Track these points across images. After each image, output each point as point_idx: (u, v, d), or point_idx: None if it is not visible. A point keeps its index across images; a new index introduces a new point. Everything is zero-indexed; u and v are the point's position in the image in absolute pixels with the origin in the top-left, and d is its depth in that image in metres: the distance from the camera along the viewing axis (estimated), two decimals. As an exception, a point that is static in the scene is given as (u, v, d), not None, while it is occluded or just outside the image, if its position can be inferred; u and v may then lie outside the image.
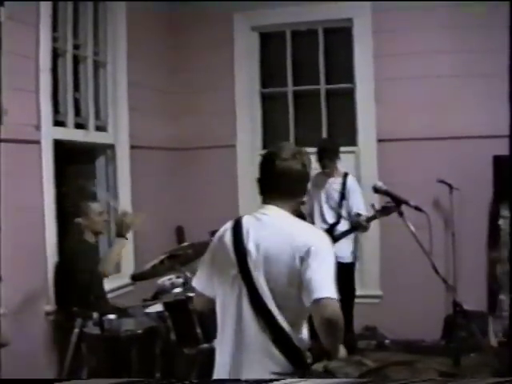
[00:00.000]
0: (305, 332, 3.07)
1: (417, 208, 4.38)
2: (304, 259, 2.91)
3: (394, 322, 7.18)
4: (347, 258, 6.63)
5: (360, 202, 6.51)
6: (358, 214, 6.45)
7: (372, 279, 7.44)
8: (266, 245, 3.00)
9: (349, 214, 6.61)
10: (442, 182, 6.91)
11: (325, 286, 2.88)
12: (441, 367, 5.64)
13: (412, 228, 4.01)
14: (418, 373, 5.27)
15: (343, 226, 6.64)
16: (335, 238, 6.37)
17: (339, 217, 6.64)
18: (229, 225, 3.19)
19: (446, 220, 7.08)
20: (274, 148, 3.22)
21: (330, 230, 6.50)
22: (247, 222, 3.13)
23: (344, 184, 6.67)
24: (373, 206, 5.46)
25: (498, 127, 6.85)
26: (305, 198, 3.25)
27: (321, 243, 3.02)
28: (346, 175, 6.74)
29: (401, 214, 4.09)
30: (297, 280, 2.92)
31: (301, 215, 3.34)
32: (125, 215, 5.54)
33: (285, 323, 2.96)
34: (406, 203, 4.14)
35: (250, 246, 3.03)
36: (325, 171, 6.69)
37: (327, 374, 2.60)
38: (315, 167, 6.72)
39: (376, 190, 4.50)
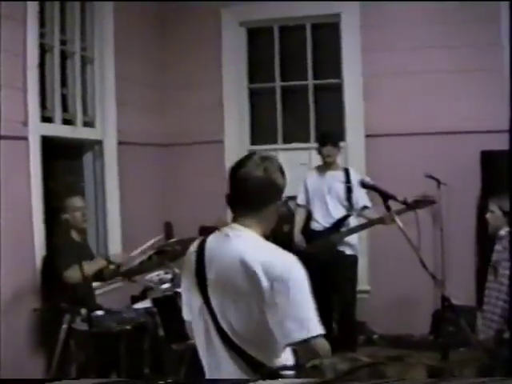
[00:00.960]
0: (285, 356, 2.85)
1: (404, 203, 4.39)
2: (278, 291, 2.65)
3: (383, 317, 7.20)
4: (355, 248, 6.65)
5: (365, 196, 6.48)
6: (365, 207, 6.50)
7: (360, 274, 7.45)
8: (229, 275, 2.76)
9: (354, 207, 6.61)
10: (429, 177, 6.92)
11: (311, 321, 2.66)
12: (429, 362, 5.66)
13: (399, 223, 4.01)
14: (407, 368, 5.29)
15: (352, 219, 6.64)
16: (351, 231, 6.49)
17: (349, 210, 6.60)
18: (195, 246, 2.98)
19: (434, 215, 7.09)
20: (241, 158, 2.97)
21: (340, 224, 6.54)
22: (210, 247, 2.89)
23: (348, 177, 6.63)
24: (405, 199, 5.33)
25: (485, 122, 6.90)
26: (278, 207, 2.94)
27: (294, 271, 2.72)
28: (347, 170, 6.72)
29: (388, 209, 4.09)
30: (270, 314, 2.67)
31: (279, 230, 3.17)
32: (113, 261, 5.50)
33: (260, 356, 2.76)
34: (394, 198, 4.13)
35: (212, 277, 2.83)
36: (328, 161, 6.64)
37: (316, 371, 2.55)
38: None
39: (363, 184, 4.49)
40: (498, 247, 4.81)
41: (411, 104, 7.35)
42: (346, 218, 6.55)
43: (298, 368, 2.79)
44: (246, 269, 2.71)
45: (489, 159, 6.98)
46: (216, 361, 2.87)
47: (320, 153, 6.64)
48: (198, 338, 2.96)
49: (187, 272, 2.98)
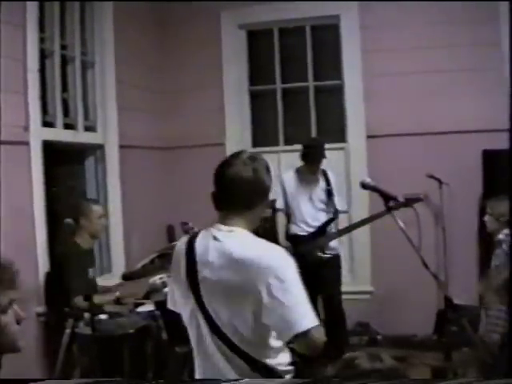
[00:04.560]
0: (281, 356, 2.89)
1: (405, 204, 4.38)
2: (271, 286, 2.69)
3: (386, 318, 7.20)
4: (336, 249, 6.63)
5: (343, 197, 6.53)
6: (345, 211, 6.58)
7: (363, 275, 7.45)
8: (222, 274, 2.78)
9: (335, 210, 6.61)
10: (431, 177, 6.92)
11: (305, 314, 2.71)
12: (433, 362, 5.66)
13: (401, 224, 4.00)
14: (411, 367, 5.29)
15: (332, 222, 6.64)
16: (335, 235, 6.46)
17: (335, 213, 6.60)
18: (183, 245, 2.98)
19: (436, 215, 7.10)
20: (227, 157, 3.00)
21: (324, 228, 6.52)
22: (200, 240, 2.91)
23: (327, 181, 6.65)
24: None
25: (486, 122, 6.90)
26: (265, 206, 2.99)
27: (286, 265, 2.78)
28: (325, 172, 6.70)
29: (389, 209, 4.09)
30: (262, 309, 2.70)
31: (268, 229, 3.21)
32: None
33: (245, 347, 2.79)
34: (395, 199, 4.14)
35: (205, 277, 2.83)
36: (311, 169, 6.62)
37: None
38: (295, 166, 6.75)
39: (364, 185, 4.49)
40: (497, 251, 4.82)
41: (412, 104, 7.35)
42: (331, 221, 6.57)
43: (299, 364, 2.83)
44: (239, 267, 2.74)
45: (490, 158, 6.99)
46: (208, 358, 2.89)
47: (304, 159, 6.62)
48: (190, 336, 2.98)
49: (176, 270, 2.99)
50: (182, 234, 5.17)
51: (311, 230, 6.53)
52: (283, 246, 6.34)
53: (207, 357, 2.89)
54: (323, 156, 6.56)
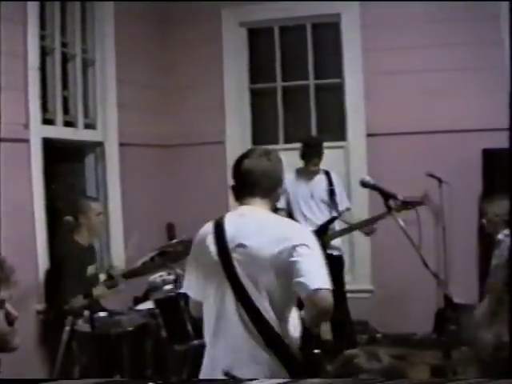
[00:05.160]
0: (293, 330, 3.11)
1: (404, 202, 4.38)
2: (292, 252, 2.97)
3: (386, 316, 7.20)
4: (339, 251, 6.62)
5: (346, 198, 6.55)
6: (348, 209, 6.54)
7: (363, 274, 7.46)
8: (250, 243, 3.05)
9: (337, 210, 6.59)
10: (431, 175, 6.91)
11: (319, 276, 2.97)
12: (432, 361, 5.67)
13: (401, 222, 4.00)
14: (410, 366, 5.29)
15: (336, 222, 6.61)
16: (332, 236, 6.46)
17: (337, 213, 6.57)
18: (210, 228, 3.22)
19: (436, 214, 7.09)
20: (244, 152, 3.34)
21: (325, 228, 6.50)
22: (229, 221, 3.17)
23: (330, 181, 6.64)
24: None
25: (486, 121, 6.90)
26: (280, 193, 3.34)
27: (306, 236, 3.11)
28: (328, 173, 6.70)
29: (389, 208, 4.09)
30: (284, 274, 2.99)
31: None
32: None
33: (273, 321, 3.01)
34: (394, 197, 4.14)
35: (234, 246, 3.07)
36: (311, 168, 6.62)
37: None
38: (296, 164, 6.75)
39: (364, 184, 4.48)
40: (496, 252, 4.81)
41: (412, 103, 7.35)
42: (332, 220, 6.54)
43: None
44: (270, 237, 3.04)
45: (490, 157, 6.98)
46: (226, 332, 3.10)
47: (303, 158, 6.63)
48: (211, 309, 3.16)
49: (202, 253, 3.22)
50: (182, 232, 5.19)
51: (312, 229, 6.52)
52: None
53: (225, 332, 3.10)
54: (320, 154, 6.56)
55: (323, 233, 6.44)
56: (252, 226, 3.11)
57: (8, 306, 2.35)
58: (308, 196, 6.64)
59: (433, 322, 7.09)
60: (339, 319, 6.54)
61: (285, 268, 2.98)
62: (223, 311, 3.09)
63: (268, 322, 2.99)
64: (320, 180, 6.67)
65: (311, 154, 6.58)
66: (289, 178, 6.68)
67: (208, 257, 3.14)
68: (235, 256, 3.06)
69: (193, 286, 3.28)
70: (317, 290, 2.91)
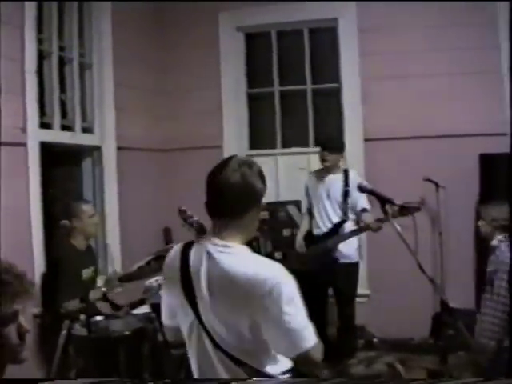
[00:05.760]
0: (282, 363, 2.84)
1: (401, 207, 4.38)
2: (268, 306, 2.63)
3: (382, 321, 7.18)
4: (354, 256, 6.58)
5: (364, 198, 6.34)
6: (364, 209, 6.37)
7: (360, 278, 7.45)
8: (217, 291, 2.74)
9: (353, 210, 6.52)
10: (428, 180, 6.92)
11: (306, 332, 2.68)
12: (429, 365, 5.67)
13: (397, 227, 4.00)
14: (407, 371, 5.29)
15: (349, 224, 6.54)
16: (343, 238, 6.41)
17: (345, 215, 6.52)
18: (176, 257, 2.94)
19: (433, 219, 7.10)
20: (217, 163, 2.92)
21: (336, 229, 6.49)
22: (195, 259, 2.84)
23: (346, 180, 6.53)
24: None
25: (484, 126, 6.90)
26: (257, 216, 2.91)
27: (284, 282, 2.68)
28: (346, 171, 6.61)
29: (386, 213, 4.08)
30: (261, 327, 2.67)
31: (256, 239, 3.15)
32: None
33: (257, 364, 2.77)
34: (391, 202, 4.13)
35: (202, 294, 2.77)
36: (325, 166, 6.58)
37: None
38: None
39: (361, 189, 4.47)
40: (492, 258, 4.81)
41: (410, 107, 7.35)
42: (341, 223, 6.49)
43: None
44: (235, 286, 2.68)
45: (487, 162, 6.98)
46: (211, 370, 2.84)
47: (319, 156, 6.63)
48: (190, 343, 2.94)
49: (171, 280, 2.96)
50: (181, 221, 5.18)
51: (326, 230, 6.52)
52: (296, 249, 6.36)
53: (210, 368, 2.84)
54: (329, 148, 6.48)
55: (333, 235, 6.42)
56: (217, 268, 2.74)
57: (21, 318, 2.33)
58: (324, 196, 6.60)
59: (430, 327, 7.10)
60: (343, 326, 6.59)
61: (253, 320, 2.67)
62: (199, 342, 2.87)
63: (241, 360, 2.75)
64: (336, 179, 6.58)
65: (321, 149, 6.57)
66: (310, 179, 6.73)
67: (176, 287, 2.88)
68: (197, 295, 2.79)
69: (167, 313, 3.10)
70: (307, 351, 2.67)
